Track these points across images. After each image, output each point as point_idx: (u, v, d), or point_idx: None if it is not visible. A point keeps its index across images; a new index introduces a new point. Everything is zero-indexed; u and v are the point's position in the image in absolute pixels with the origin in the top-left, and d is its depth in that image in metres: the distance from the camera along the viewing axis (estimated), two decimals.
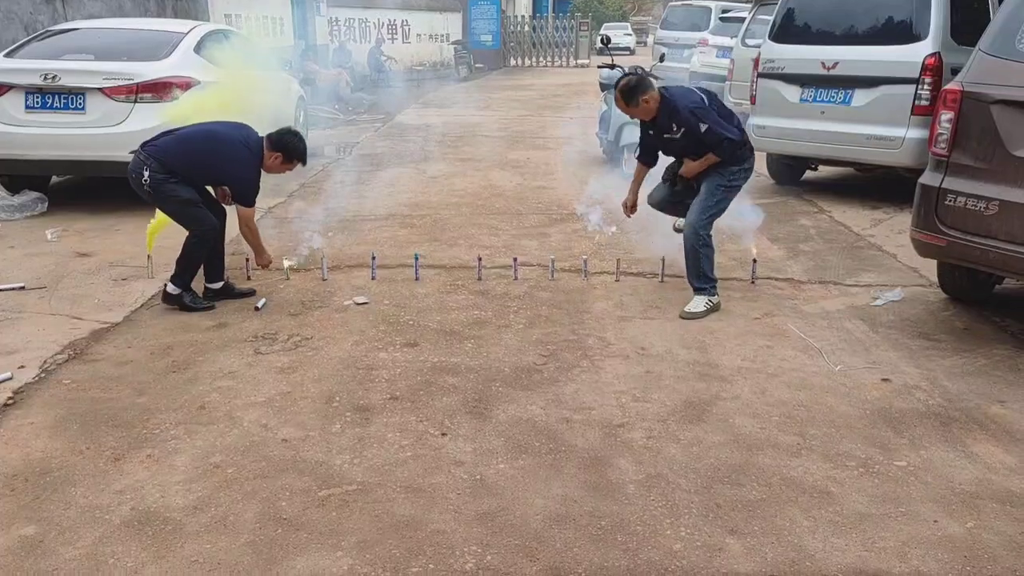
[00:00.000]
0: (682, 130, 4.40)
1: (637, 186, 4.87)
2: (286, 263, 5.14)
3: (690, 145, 4.47)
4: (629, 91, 4.41)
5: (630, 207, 4.91)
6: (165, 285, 4.52)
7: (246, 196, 4.50)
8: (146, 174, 4.30)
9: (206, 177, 4.55)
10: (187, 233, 4.46)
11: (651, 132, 4.61)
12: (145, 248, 5.07)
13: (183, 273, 4.48)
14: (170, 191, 4.35)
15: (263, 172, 4.59)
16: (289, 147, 4.56)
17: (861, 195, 7.57)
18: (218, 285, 4.69)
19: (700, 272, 4.49)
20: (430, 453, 3.07)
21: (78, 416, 3.31)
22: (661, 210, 4.99)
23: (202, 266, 4.58)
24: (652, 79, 4.46)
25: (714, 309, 4.52)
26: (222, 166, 4.46)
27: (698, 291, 4.52)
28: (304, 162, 4.70)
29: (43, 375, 3.70)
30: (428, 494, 2.80)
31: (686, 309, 4.48)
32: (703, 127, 4.32)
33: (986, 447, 3.14)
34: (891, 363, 3.91)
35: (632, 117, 4.66)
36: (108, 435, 3.16)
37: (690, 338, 4.20)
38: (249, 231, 4.60)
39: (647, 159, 4.81)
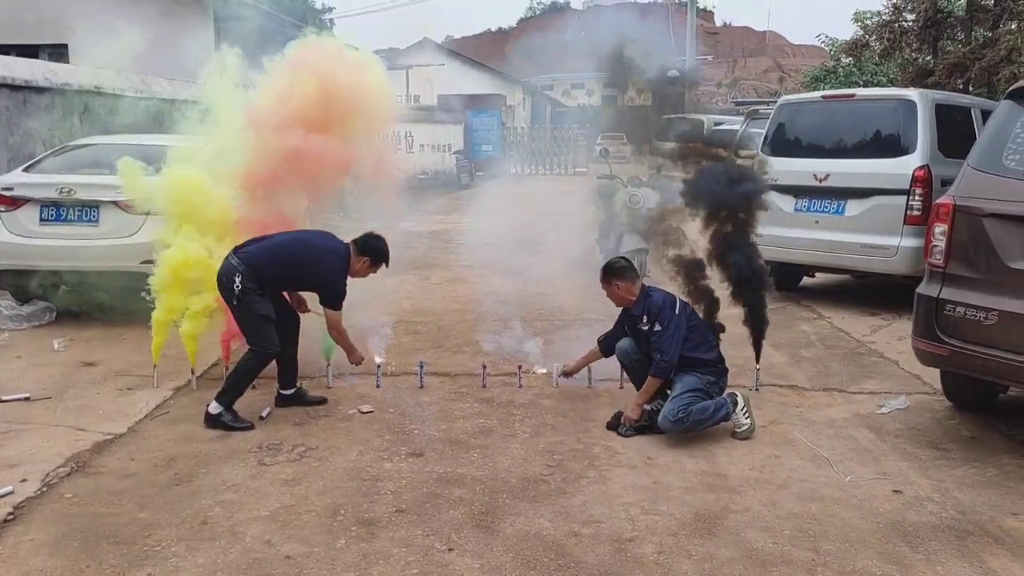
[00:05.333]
0: (650, 325, 4.37)
1: (583, 363, 4.92)
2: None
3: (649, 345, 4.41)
4: (607, 270, 4.55)
5: (567, 373, 4.97)
6: (207, 405, 4.43)
7: (335, 300, 4.54)
8: (238, 280, 4.35)
9: (296, 283, 4.66)
10: (243, 353, 4.52)
11: (626, 321, 4.62)
12: (151, 358, 5.08)
13: (230, 392, 4.44)
14: (253, 303, 4.40)
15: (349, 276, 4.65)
16: (376, 251, 4.69)
17: (858, 301, 7.66)
18: (291, 391, 4.75)
19: (705, 425, 4.26)
20: (437, 570, 3.01)
21: (79, 532, 3.26)
22: (621, 363, 4.80)
23: (277, 372, 4.69)
24: (636, 273, 4.54)
25: (748, 407, 4.34)
26: (315, 272, 4.54)
27: (723, 420, 4.32)
28: (388, 264, 4.78)
29: (45, 489, 3.66)
30: None
31: (736, 431, 4.31)
32: (657, 327, 4.32)
33: (1003, 562, 3.08)
34: (901, 473, 3.88)
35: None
36: (109, 553, 3.11)
37: (697, 447, 4.17)
38: (338, 333, 4.64)
39: (606, 347, 4.77)
